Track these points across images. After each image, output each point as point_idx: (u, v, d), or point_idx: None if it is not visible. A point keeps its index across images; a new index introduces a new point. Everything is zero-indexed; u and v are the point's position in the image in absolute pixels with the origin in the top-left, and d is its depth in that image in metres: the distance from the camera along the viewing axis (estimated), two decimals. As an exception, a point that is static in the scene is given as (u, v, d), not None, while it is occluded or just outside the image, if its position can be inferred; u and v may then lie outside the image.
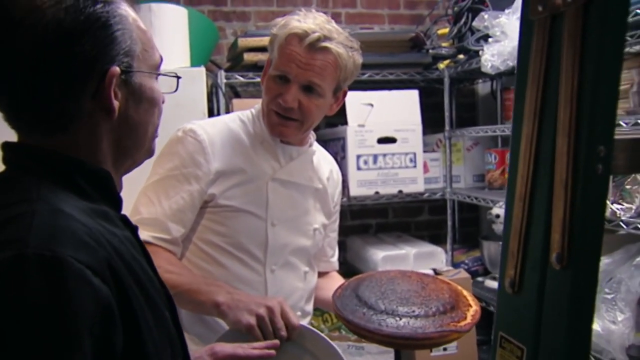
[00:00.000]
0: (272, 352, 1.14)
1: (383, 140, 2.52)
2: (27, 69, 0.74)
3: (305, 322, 1.49)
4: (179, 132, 1.41)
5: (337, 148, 2.60)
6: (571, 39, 0.65)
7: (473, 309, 1.21)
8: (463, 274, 2.27)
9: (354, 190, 2.51)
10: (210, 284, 1.28)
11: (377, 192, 2.53)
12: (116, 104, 0.78)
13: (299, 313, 1.46)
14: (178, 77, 0.93)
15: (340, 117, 2.64)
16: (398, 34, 2.72)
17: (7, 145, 0.79)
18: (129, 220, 0.86)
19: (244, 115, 1.49)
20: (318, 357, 1.21)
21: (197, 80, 2.21)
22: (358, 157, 2.50)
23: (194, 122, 1.43)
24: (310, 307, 1.54)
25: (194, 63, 2.39)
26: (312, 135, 1.54)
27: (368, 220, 3.12)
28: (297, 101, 1.35)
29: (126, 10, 0.80)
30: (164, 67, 2.20)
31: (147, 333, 0.73)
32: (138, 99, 0.82)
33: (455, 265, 2.69)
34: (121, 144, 0.83)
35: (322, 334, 1.23)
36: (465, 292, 1.28)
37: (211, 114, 2.64)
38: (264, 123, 1.43)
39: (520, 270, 0.72)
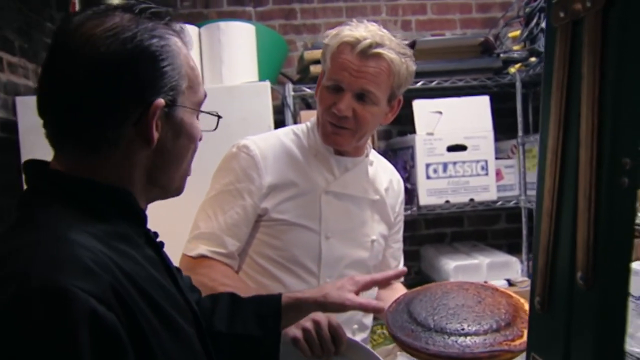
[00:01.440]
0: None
1: (453, 148, 2.48)
2: (77, 94, 0.77)
3: (364, 335, 1.47)
4: (234, 148, 1.44)
5: (406, 157, 2.58)
6: (591, 45, 0.61)
7: None
8: (538, 286, 2.17)
9: (424, 199, 2.47)
10: (259, 293, 1.30)
11: (447, 201, 2.48)
12: (156, 134, 0.81)
13: (355, 326, 1.45)
14: (219, 117, 0.93)
15: (409, 126, 2.62)
16: (467, 39, 2.66)
17: (28, 164, 0.82)
18: (153, 239, 0.87)
19: (298, 128, 1.50)
20: None
21: (263, 94, 2.26)
22: (427, 165, 2.47)
23: (248, 138, 1.45)
24: (369, 320, 1.53)
25: (263, 77, 2.44)
26: (369, 145, 1.53)
27: (443, 229, 3.07)
28: (351, 110, 1.34)
29: (179, 47, 0.84)
30: (231, 82, 2.27)
31: (161, 352, 0.74)
32: (177, 133, 0.84)
33: (531, 275, 2.58)
34: (153, 174, 0.85)
35: (371, 349, 1.21)
36: (527, 307, 1.21)
37: (282, 125, 2.69)
38: (318, 134, 1.43)
39: (549, 289, 0.69)
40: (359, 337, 1.45)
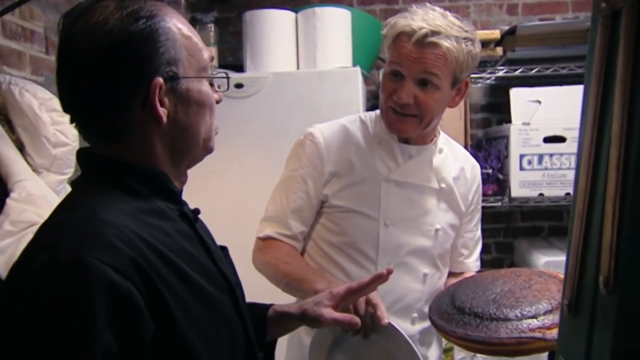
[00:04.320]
0: (384, 275, 1.13)
1: (550, 139, 2.37)
2: (81, 91, 0.84)
3: (425, 324, 1.46)
4: (301, 135, 1.50)
5: (501, 147, 2.50)
6: (626, 39, 0.57)
7: None
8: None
9: (516, 191, 2.39)
10: (316, 274, 1.34)
11: (541, 194, 2.39)
12: (163, 111, 0.85)
13: (415, 314, 1.44)
14: (228, 77, 0.96)
15: (508, 115, 2.53)
16: (573, 24, 2.51)
17: (79, 151, 0.92)
18: (187, 214, 0.93)
19: (366, 116, 1.52)
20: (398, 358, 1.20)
21: (353, 79, 2.28)
22: (521, 156, 2.38)
23: (315, 126, 1.50)
24: None
25: (359, 62, 2.46)
26: (438, 131, 1.51)
27: (540, 223, 2.95)
28: (412, 96, 1.34)
29: (170, 20, 0.86)
30: (325, 67, 2.29)
31: (185, 316, 0.80)
32: (186, 103, 0.88)
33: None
34: (175, 146, 0.90)
35: (408, 338, 1.19)
36: None
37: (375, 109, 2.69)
38: (383, 122, 1.44)
39: (576, 293, 0.66)
40: (418, 327, 1.45)
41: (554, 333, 1.01)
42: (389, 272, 1.13)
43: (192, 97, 0.89)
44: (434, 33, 1.30)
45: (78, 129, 0.89)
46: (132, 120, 0.85)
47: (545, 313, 1.05)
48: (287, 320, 1.15)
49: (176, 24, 0.87)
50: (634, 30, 0.57)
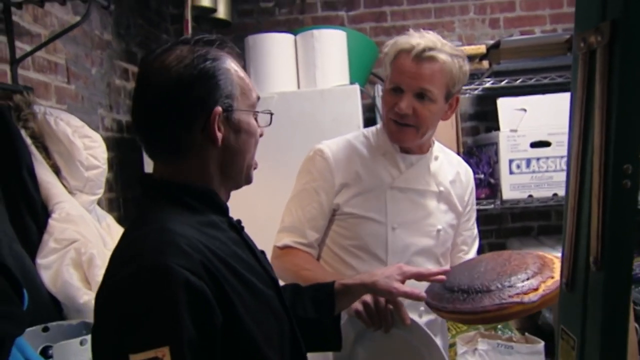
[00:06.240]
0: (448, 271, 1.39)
1: (536, 144, 2.55)
2: (154, 114, 1.01)
3: (431, 317, 1.62)
4: (311, 152, 1.66)
5: (490, 153, 2.68)
6: (601, 73, 0.74)
7: (552, 281, 1.18)
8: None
9: (507, 194, 2.57)
10: (335, 278, 1.49)
11: (530, 196, 2.57)
12: (219, 135, 1.02)
13: (422, 308, 1.61)
14: (271, 114, 1.13)
15: (496, 122, 2.71)
16: (553, 37, 2.70)
17: (141, 177, 1.09)
18: (235, 224, 1.09)
19: (368, 131, 1.70)
20: (423, 354, 1.35)
21: (352, 96, 2.44)
22: (510, 161, 2.56)
23: (323, 142, 1.67)
24: None
25: (354, 79, 2.62)
26: (433, 142, 1.68)
27: (529, 223, 3.13)
28: (411, 108, 1.51)
29: (229, 63, 1.04)
30: (324, 86, 2.45)
31: (243, 308, 0.95)
32: (237, 131, 1.05)
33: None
34: (224, 168, 1.06)
35: (428, 330, 1.35)
36: (555, 265, 1.24)
37: (373, 122, 2.86)
38: (386, 134, 1.61)
39: (572, 272, 0.82)
40: (425, 319, 1.61)
41: (530, 296, 1.15)
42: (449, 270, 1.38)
43: (243, 127, 1.06)
44: (431, 48, 1.49)
45: (145, 148, 1.05)
46: (193, 141, 1.02)
47: (522, 281, 1.19)
48: (355, 292, 1.30)
49: (233, 67, 1.06)
50: (606, 65, 0.74)
